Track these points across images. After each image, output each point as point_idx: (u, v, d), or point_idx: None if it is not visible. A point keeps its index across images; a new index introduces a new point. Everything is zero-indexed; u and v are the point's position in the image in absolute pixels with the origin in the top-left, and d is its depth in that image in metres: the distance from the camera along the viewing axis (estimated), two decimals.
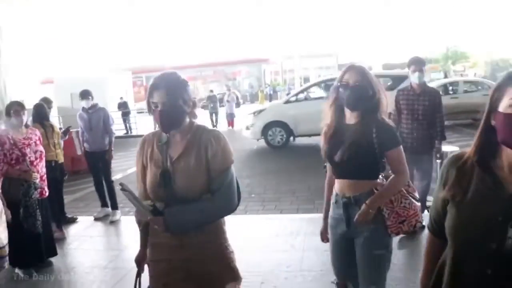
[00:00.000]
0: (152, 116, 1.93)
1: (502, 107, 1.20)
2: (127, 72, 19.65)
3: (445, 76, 22.73)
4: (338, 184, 2.29)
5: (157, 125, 2.01)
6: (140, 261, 2.11)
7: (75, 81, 12.91)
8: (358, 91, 2.14)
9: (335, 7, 40.36)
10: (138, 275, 2.11)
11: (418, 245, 3.76)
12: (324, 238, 2.47)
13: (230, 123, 15.37)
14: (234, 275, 1.98)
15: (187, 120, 1.94)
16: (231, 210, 1.96)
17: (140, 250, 2.11)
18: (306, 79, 36.99)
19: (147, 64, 28.97)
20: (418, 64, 4.19)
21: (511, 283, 1.20)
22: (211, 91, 17.49)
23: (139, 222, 2.07)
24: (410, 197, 2.24)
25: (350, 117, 2.22)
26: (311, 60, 39.43)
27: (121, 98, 16.85)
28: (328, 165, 2.38)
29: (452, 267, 1.32)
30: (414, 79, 4.12)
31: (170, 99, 1.83)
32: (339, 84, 2.20)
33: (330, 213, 2.36)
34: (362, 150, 2.13)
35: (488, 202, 1.24)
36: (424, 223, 2.26)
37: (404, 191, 2.25)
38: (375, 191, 2.18)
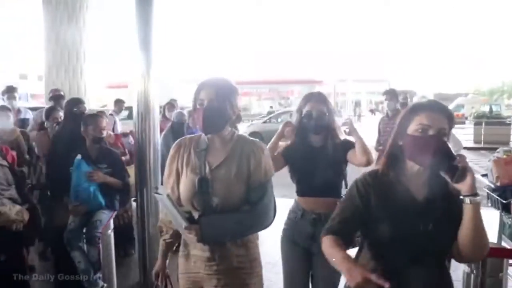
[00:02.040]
0: (194, 115, 1.95)
1: (410, 130, 1.55)
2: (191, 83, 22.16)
3: (490, 110, 23.74)
4: (306, 201, 2.50)
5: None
6: (158, 274, 2.07)
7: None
8: (321, 118, 2.45)
9: (391, 34, 41.82)
10: None
11: None
12: None
13: None
14: None
15: (229, 127, 1.93)
16: (268, 224, 1.93)
17: (159, 261, 2.07)
18: (357, 103, 38.50)
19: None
20: (389, 94, 5.86)
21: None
22: (271, 107, 19.77)
23: (160, 230, 2.04)
24: None
25: (315, 140, 2.53)
26: (363, 84, 40.83)
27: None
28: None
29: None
30: (385, 106, 5.83)
31: (217, 98, 1.84)
32: (303, 110, 2.50)
33: (290, 226, 2.55)
34: (333, 169, 2.46)
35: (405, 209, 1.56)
36: None
37: None
38: None
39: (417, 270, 1.56)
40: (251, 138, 2.00)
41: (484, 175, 3.93)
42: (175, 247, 2.07)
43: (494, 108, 25.16)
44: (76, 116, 3.87)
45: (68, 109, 4.11)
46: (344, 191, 2.40)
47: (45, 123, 4.42)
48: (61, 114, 4.38)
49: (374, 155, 3.80)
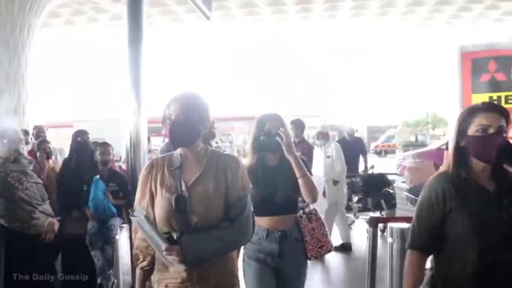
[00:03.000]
0: (164, 131, 1.93)
1: (471, 131, 1.70)
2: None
3: (416, 139, 26.95)
4: (270, 220, 2.60)
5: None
6: None
7: (94, 126, 14.08)
8: (274, 137, 2.58)
9: (322, 72, 44.87)
10: None
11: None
12: None
13: None
14: None
15: (201, 143, 1.95)
16: (247, 239, 1.97)
17: None
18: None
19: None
20: (294, 123, 6.42)
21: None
22: (217, 142, 20.93)
23: (137, 258, 1.99)
24: (326, 226, 2.75)
25: (272, 159, 2.69)
26: (303, 119, 43.06)
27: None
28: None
29: (477, 266, 1.61)
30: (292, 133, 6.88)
31: (184, 113, 1.86)
32: (262, 132, 2.61)
33: (253, 248, 2.61)
34: (292, 188, 2.61)
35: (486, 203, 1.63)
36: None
37: (323, 220, 2.73)
38: (298, 221, 2.67)
39: (505, 256, 1.63)
40: (225, 152, 2.05)
41: (403, 182, 5.24)
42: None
43: (420, 138, 28.16)
44: (80, 144, 4.72)
45: (74, 139, 4.96)
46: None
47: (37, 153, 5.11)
48: (49, 145, 5.17)
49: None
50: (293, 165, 2.56)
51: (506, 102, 3.09)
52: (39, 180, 3.92)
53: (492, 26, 20.35)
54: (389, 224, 3.41)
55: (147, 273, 2.00)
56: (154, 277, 1.95)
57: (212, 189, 1.87)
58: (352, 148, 8.04)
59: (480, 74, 3.18)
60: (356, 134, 10.23)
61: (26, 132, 6.45)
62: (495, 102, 3.11)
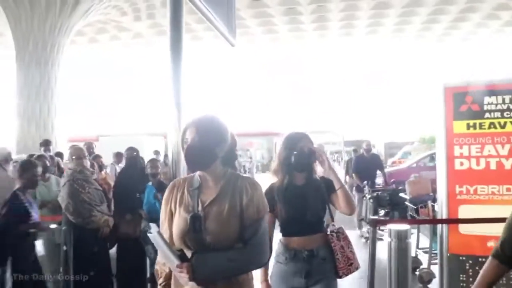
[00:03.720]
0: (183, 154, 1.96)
1: None
2: (160, 136, 23.83)
3: (431, 156, 27.11)
4: (297, 241, 2.58)
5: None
6: None
7: (117, 140, 14.84)
8: (307, 156, 2.59)
9: (342, 88, 45.65)
10: None
11: None
12: None
13: None
14: None
15: (219, 165, 1.98)
16: (263, 262, 1.97)
17: None
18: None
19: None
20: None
21: None
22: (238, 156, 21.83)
23: (157, 274, 2.05)
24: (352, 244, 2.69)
25: (299, 178, 2.65)
26: (318, 135, 43.86)
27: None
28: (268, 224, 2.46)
29: None
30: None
31: (200, 136, 1.90)
32: (294, 151, 2.59)
33: (280, 269, 2.62)
34: (321, 207, 2.59)
35: None
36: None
37: (349, 237, 2.68)
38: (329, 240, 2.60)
39: None
40: (244, 175, 2.07)
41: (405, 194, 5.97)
42: None
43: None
44: (133, 158, 5.79)
45: (127, 154, 5.96)
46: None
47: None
48: (101, 159, 6.15)
49: None
50: (333, 178, 2.57)
51: (480, 128, 3.88)
52: (99, 187, 4.84)
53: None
54: (388, 226, 3.84)
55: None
56: None
57: (227, 210, 1.90)
58: (370, 163, 8.53)
59: (460, 106, 3.97)
60: (374, 150, 10.75)
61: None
62: (471, 127, 3.90)
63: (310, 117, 36.78)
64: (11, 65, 16.58)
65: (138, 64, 28.86)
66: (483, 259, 3.62)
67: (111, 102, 33.69)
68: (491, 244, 3.82)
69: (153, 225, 1.82)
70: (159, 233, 1.79)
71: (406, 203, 5.62)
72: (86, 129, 24.70)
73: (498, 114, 3.85)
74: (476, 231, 3.90)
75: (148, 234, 1.80)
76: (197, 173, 2.00)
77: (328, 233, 2.63)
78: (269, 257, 2.02)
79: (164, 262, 1.96)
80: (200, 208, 1.91)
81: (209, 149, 1.91)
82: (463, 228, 3.99)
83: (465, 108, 3.93)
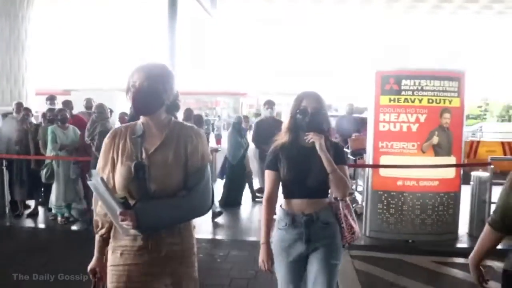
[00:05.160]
0: (128, 98, 1.93)
1: None
2: None
3: None
4: (296, 203, 2.50)
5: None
6: (95, 270, 2.02)
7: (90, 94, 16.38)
8: (317, 116, 2.46)
9: (310, 49, 46.90)
10: (95, 286, 2.03)
11: None
12: (268, 265, 2.53)
13: (218, 141, 21.21)
14: (195, 284, 2.03)
15: (164, 113, 1.98)
16: (206, 210, 1.97)
17: (96, 257, 2.03)
18: (279, 114, 42.88)
19: None
20: (267, 103, 7.50)
21: None
22: (206, 115, 23.31)
23: (96, 225, 2.01)
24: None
25: (306, 140, 2.46)
26: (284, 97, 45.49)
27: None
28: (270, 186, 2.55)
29: None
30: (267, 113, 7.60)
31: (149, 81, 1.88)
32: (297, 110, 2.49)
33: (281, 236, 2.53)
34: (326, 171, 2.42)
35: None
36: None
37: (351, 206, 2.63)
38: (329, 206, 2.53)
39: None
40: (188, 123, 2.05)
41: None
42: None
43: None
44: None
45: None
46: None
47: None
48: None
49: None
50: (323, 159, 2.43)
51: (397, 102, 5.60)
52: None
53: None
54: None
55: (106, 240, 2.01)
56: (110, 244, 1.98)
57: (172, 158, 1.90)
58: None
59: (385, 85, 5.67)
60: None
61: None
62: (392, 101, 5.61)
63: (282, 80, 38.11)
64: None
65: (115, 20, 29.15)
66: (393, 193, 5.48)
67: (84, 56, 33.86)
68: (400, 183, 5.66)
69: (94, 172, 1.79)
70: (102, 179, 1.74)
71: (348, 155, 7.34)
72: (57, 83, 25.23)
73: (410, 93, 5.57)
74: (390, 174, 5.69)
75: (88, 182, 1.77)
76: (140, 120, 2.01)
77: (332, 199, 2.57)
78: (211, 206, 2.02)
79: (105, 212, 1.91)
80: (144, 156, 1.91)
81: (157, 94, 1.91)
82: (382, 172, 5.77)
83: (388, 87, 5.63)
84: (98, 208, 1.99)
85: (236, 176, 7.74)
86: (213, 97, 39.92)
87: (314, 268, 2.47)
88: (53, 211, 6.48)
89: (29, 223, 6.74)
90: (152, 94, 1.89)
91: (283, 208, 2.58)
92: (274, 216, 2.62)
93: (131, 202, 1.81)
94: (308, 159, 2.49)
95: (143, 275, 1.91)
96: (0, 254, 5.19)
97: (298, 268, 2.51)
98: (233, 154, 7.72)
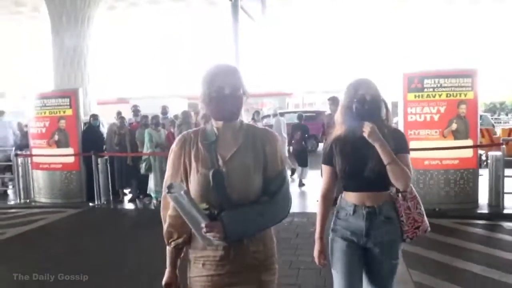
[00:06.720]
0: (209, 104, 1.86)
1: None
2: (185, 98, 27.00)
3: None
4: (358, 196, 2.42)
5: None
6: (170, 284, 2.00)
7: (147, 103, 17.13)
8: (375, 104, 2.37)
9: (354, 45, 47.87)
10: None
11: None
12: (322, 260, 2.51)
13: None
14: None
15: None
16: (286, 215, 1.93)
17: (169, 270, 2.00)
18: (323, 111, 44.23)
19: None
20: (331, 99, 8.25)
21: None
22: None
23: (170, 236, 1.96)
24: (421, 204, 2.50)
25: (361, 130, 2.34)
26: (329, 95, 46.58)
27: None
28: (326, 181, 2.54)
29: None
30: (329, 109, 9.41)
31: (238, 83, 1.85)
32: (355, 99, 2.37)
33: (340, 225, 2.49)
34: (383, 162, 2.30)
35: None
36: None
37: (418, 197, 2.50)
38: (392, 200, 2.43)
39: None
40: (261, 127, 2.03)
41: None
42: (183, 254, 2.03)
43: None
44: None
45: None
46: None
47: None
48: None
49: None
50: (379, 151, 2.31)
51: (421, 97, 7.15)
52: None
53: None
54: None
55: (180, 251, 2.00)
56: (191, 254, 1.96)
57: (251, 163, 1.86)
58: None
59: (411, 84, 7.24)
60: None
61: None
62: (417, 97, 7.17)
63: (325, 78, 39.48)
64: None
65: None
66: (421, 171, 7.05)
67: (138, 65, 36.40)
68: (426, 162, 7.20)
69: (175, 184, 1.72)
70: (186, 192, 1.66)
71: None
72: (115, 93, 27.78)
73: (431, 90, 7.13)
74: (418, 155, 7.21)
75: (169, 195, 1.69)
76: (211, 125, 1.95)
77: (393, 192, 2.47)
78: (289, 210, 1.97)
79: (181, 222, 1.85)
80: (220, 162, 1.85)
81: (241, 98, 1.88)
82: (412, 154, 7.23)
83: (413, 86, 7.20)
84: (170, 219, 1.95)
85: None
86: (259, 99, 41.68)
87: (373, 266, 2.46)
88: (153, 195, 8.46)
89: (130, 206, 8.81)
90: (239, 98, 1.87)
91: (344, 198, 2.53)
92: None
93: (213, 210, 1.78)
94: (364, 151, 2.38)
95: (227, 285, 1.88)
96: (112, 229, 7.15)
97: (354, 261, 2.45)
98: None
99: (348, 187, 2.49)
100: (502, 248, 5.44)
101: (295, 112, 18.05)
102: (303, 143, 10.07)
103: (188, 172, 1.89)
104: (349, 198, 2.48)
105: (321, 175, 2.66)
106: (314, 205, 7.18)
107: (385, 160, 2.30)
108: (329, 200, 2.55)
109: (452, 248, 5.36)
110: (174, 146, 1.95)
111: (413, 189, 2.51)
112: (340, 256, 2.46)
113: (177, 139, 1.97)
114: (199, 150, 1.88)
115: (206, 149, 1.87)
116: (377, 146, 2.31)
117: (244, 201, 1.81)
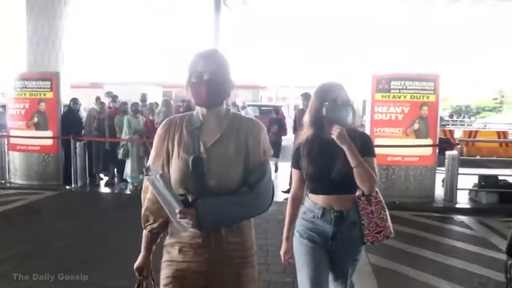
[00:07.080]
0: (190, 90, 1.84)
1: None
2: (159, 86, 27.02)
3: None
4: (324, 199, 2.44)
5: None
6: (142, 268, 1.97)
7: (122, 89, 16.87)
8: (345, 109, 2.39)
9: (330, 41, 48.54)
10: (140, 285, 1.97)
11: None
12: (287, 259, 2.57)
13: None
14: (254, 285, 1.95)
15: (224, 104, 1.89)
16: (267, 207, 1.90)
17: (143, 255, 1.98)
18: (296, 106, 44.97)
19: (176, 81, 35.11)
20: (304, 95, 8.31)
21: None
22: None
23: (146, 220, 1.95)
24: (387, 210, 2.51)
25: (329, 133, 2.36)
26: (303, 90, 47.18)
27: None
28: (294, 184, 2.58)
29: None
30: (301, 104, 8.96)
31: (220, 70, 1.80)
32: (326, 102, 2.38)
33: (306, 227, 2.50)
34: (350, 164, 2.34)
35: None
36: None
37: (383, 203, 2.51)
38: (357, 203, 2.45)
39: None
40: (247, 116, 2.03)
41: None
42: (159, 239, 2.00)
43: None
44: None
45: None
46: None
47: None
48: None
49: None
50: (347, 154, 2.33)
51: (388, 98, 7.73)
52: None
53: None
54: None
55: (155, 236, 1.98)
56: (167, 240, 1.93)
57: (232, 151, 1.83)
58: None
59: (379, 85, 7.81)
60: None
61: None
62: (383, 97, 7.74)
63: (299, 73, 40.06)
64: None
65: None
66: (384, 166, 7.64)
67: (113, 50, 35.95)
68: (389, 158, 7.80)
69: (153, 167, 1.74)
70: (162, 175, 1.66)
71: None
72: (88, 77, 27.47)
73: (397, 91, 7.72)
74: (382, 151, 7.78)
75: (146, 177, 1.72)
76: (197, 111, 1.92)
77: (357, 195, 2.48)
78: (271, 203, 1.93)
79: (157, 206, 1.83)
80: (202, 149, 1.83)
81: (226, 85, 1.84)
82: (376, 150, 7.87)
83: (381, 86, 7.78)
84: (148, 202, 1.94)
85: None
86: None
87: (335, 265, 2.51)
88: (129, 180, 8.79)
89: (106, 190, 9.15)
90: (222, 84, 1.83)
91: (312, 200, 2.51)
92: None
93: (190, 197, 1.77)
94: (331, 153, 2.40)
95: (204, 273, 1.85)
96: (89, 211, 7.51)
97: (322, 263, 2.47)
98: None
99: (315, 190, 2.51)
100: (450, 237, 6.12)
101: (255, 106, 19.65)
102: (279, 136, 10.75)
103: (170, 156, 1.87)
104: (317, 200, 2.49)
105: (290, 176, 2.88)
106: (281, 195, 7.67)
107: (352, 163, 2.33)
108: (298, 203, 2.60)
109: (408, 237, 5.93)
110: (159, 129, 1.95)
111: (379, 193, 2.54)
112: (304, 256, 2.49)
113: (163, 122, 1.97)
114: (182, 135, 1.87)
115: (190, 134, 1.85)
116: (345, 149, 2.34)
117: (222, 189, 1.79)
